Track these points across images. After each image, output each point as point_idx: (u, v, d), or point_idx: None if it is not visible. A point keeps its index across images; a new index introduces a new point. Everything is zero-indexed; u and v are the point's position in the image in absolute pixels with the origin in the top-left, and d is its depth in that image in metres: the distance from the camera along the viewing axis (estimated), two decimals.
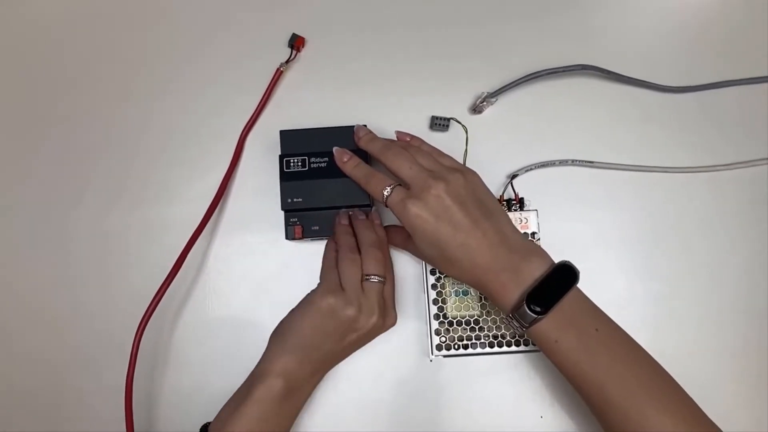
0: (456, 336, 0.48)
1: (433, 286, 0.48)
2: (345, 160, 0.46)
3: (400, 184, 0.42)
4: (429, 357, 0.48)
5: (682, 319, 0.50)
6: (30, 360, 0.51)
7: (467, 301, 0.48)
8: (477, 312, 0.48)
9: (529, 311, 0.39)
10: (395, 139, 0.47)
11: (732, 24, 0.54)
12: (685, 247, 0.51)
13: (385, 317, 0.45)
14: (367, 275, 0.44)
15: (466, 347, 0.48)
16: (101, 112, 0.53)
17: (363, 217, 0.47)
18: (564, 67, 0.50)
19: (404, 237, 0.47)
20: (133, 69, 0.54)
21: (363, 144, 0.46)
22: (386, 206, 0.42)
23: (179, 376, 0.51)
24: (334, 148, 0.47)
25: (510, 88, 0.51)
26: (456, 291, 0.48)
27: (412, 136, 0.47)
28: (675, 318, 0.50)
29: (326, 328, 0.43)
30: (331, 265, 0.46)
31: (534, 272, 0.40)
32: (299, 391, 0.43)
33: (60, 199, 0.53)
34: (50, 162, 0.53)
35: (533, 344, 0.46)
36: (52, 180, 0.53)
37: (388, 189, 0.42)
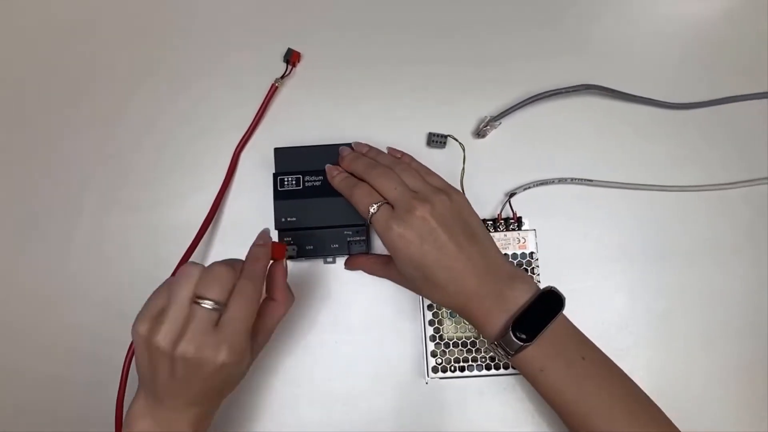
0: (452, 358, 0.47)
1: (429, 307, 0.47)
2: (334, 174, 0.45)
3: (387, 202, 0.41)
4: (425, 379, 0.47)
5: (683, 338, 0.50)
6: (21, 374, 0.51)
7: (463, 322, 0.47)
8: (474, 333, 0.47)
9: (514, 339, 0.38)
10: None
11: (736, 40, 0.53)
12: (686, 266, 0.50)
13: (215, 350, 0.35)
14: (198, 297, 0.35)
15: (462, 369, 0.47)
16: (98, 123, 0.53)
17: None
18: (568, 87, 0.49)
19: (383, 263, 0.46)
20: (131, 82, 0.53)
21: (346, 164, 0.45)
22: (370, 223, 0.41)
23: None
24: (327, 165, 0.46)
25: (514, 110, 0.50)
26: (452, 312, 0.47)
27: (403, 153, 0.46)
28: (675, 337, 0.50)
29: (150, 363, 0.36)
30: (164, 283, 0.38)
31: (519, 299, 0.39)
32: None
33: (54, 209, 0.52)
34: (42, 172, 0.52)
35: None
36: (47, 189, 0.52)
37: (375, 206, 0.41)
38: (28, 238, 0.52)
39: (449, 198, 0.41)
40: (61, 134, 0.53)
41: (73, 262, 0.51)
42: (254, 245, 0.40)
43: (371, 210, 0.41)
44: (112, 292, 0.51)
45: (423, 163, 0.45)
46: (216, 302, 0.35)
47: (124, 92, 0.53)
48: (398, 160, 0.45)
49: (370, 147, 0.47)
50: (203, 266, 0.36)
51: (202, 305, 0.35)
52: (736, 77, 0.52)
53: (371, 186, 0.42)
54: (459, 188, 0.48)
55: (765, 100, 0.52)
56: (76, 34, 0.54)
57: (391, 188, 0.41)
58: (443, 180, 0.44)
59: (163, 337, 0.34)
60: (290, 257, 0.47)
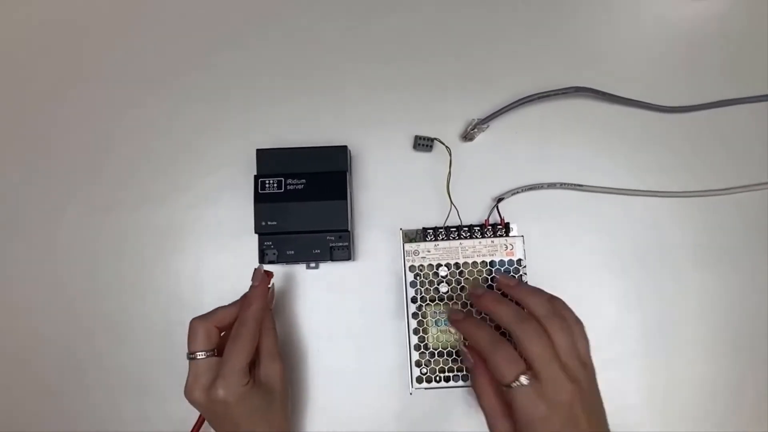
0: (437, 368, 0.45)
1: (414, 315, 0.46)
2: (460, 318, 0.42)
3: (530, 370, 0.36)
4: (409, 390, 0.46)
5: (674, 347, 0.48)
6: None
7: (449, 331, 0.46)
8: (459, 342, 0.46)
9: None
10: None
11: (729, 43, 0.52)
12: (677, 273, 0.49)
13: (215, 389, 0.39)
14: (190, 354, 0.41)
15: (447, 379, 0.45)
16: (81, 123, 0.51)
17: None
18: (557, 90, 0.48)
19: (502, 411, 0.39)
20: (112, 81, 0.52)
21: (487, 305, 0.41)
22: (507, 387, 0.36)
23: (154, 403, 0.48)
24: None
25: (502, 113, 0.49)
26: (437, 320, 0.46)
27: (552, 296, 0.40)
28: (667, 346, 0.48)
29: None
30: None
31: None
32: None
33: (36, 210, 0.51)
34: (23, 173, 0.51)
35: None
36: (28, 191, 0.51)
37: (525, 379, 0.36)
38: (10, 239, 0.50)
39: (592, 376, 0.38)
40: (43, 134, 0.51)
41: (56, 264, 0.50)
42: (251, 287, 0.43)
43: (521, 382, 0.36)
44: (94, 292, 0.50)
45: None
46: (204, 351, 0.40)
47: (106, 91, 0.52)
48: (551, 309, 0.39)
49: (518, 282, 0.43)
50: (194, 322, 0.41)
51: (196, 358, 0.40)
52: (729, 81, 0.51)
53: (518, 341, 0.37)
54: (446, 193, 0.47)
55: (758, 104, 0.51)
56: (53, 36, 0.53)
57: (546, 358, 0.36)
58: (587, 341, 0.39)
59: (188, 394, 0.40)
60: (270, 262, 0.46)
